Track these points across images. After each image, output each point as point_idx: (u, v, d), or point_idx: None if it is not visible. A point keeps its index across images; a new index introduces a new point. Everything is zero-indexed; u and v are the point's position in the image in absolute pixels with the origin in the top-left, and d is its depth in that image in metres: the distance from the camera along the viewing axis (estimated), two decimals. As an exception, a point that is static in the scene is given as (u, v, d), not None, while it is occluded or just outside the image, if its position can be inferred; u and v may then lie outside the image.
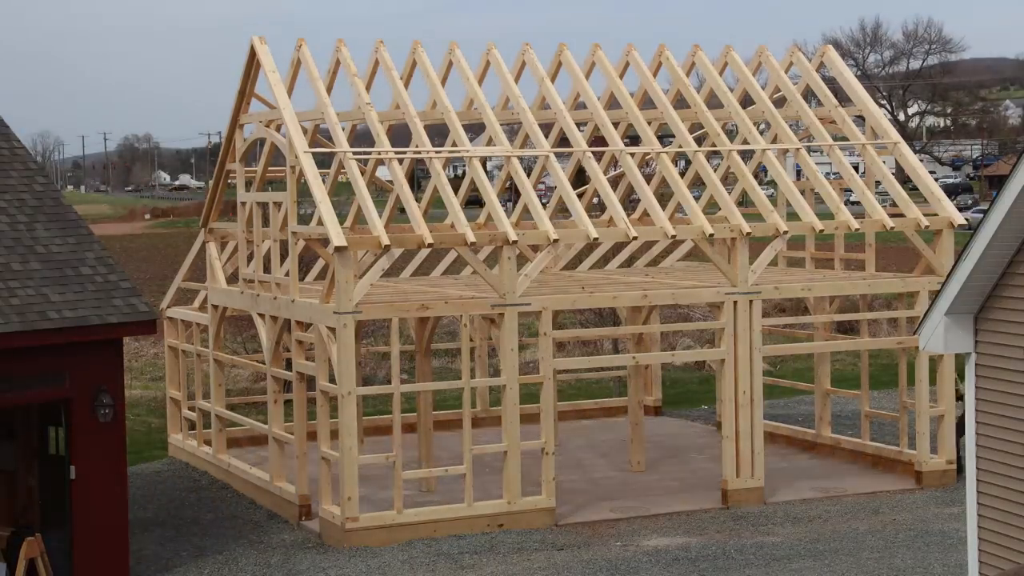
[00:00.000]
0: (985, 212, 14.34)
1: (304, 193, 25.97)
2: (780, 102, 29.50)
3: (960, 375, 24.14)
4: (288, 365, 25.72)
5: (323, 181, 24.93)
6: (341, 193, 33.99)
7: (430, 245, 23.75)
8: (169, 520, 25.29)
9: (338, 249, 22.47)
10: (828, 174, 50.95)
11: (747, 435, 25.19)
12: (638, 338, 30.44)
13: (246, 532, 24.32)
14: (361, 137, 32.43)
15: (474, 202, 58.14)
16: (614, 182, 30.03)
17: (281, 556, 22.73)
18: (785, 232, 25.65)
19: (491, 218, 24.82)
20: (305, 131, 26.63)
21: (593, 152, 27.37)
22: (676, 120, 27.82)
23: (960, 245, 17.79)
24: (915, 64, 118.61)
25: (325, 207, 23.24)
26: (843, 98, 30.06)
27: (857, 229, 26.11)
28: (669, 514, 24.63)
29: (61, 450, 21.28)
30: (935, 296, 15.32)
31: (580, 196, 28.57)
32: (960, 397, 25.83)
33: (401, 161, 26.05)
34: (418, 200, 26.50)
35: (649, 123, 28.44)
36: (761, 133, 29.60)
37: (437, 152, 25.59)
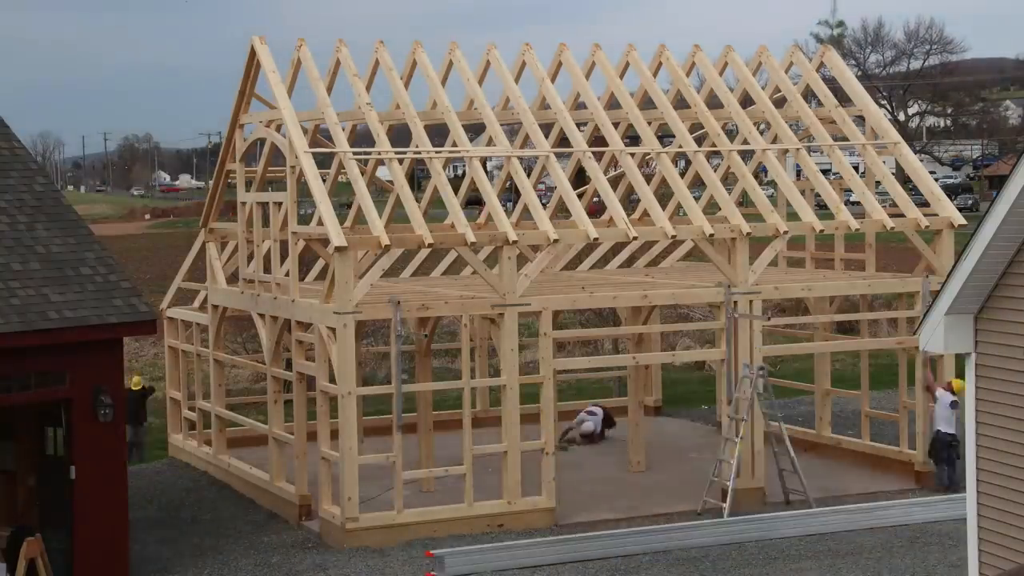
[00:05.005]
0: (985, 212, 14.34)
1: (304, 193, 25.97)
2: (780, 102, 29.50)
3: (960, 375, 24.13)
4: (288, 365, 25.72)
5: (323, 181, 24.93)
6: (341, 193, 33.99)
7: (430, 245, 23.76)
8: (169, 520, 25.29)
9: (338, 249, 22.47)
10: (827, 172, 50.90)
11: (747, 435, 25.18)
12: (638, 338, 30.41)
13: (246, 532, 24.31)
14: (361, 137, 32.41)
15: (474, 202, 58.14)
16: (614, 182, 30.02)
17: (281, 556, 22.73)
18: (785, 232, 25.65)
19: (491, 218, 24.82)
20: (305, 131, 26.62)
21: (593, 152, 27.36)
22: (676, 120, 27.82)
23: (960, 245, 17.79)
24: (916, 64, 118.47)
25: (325, 207, 23.24)
26: (843, 98, 30.05)
27: (857, 229, 26.11)
28: (669, 514, 24.62)
29: (61, 450, 21.29)
30: (935, 296, 15.31)
31: (580, 196, 28.56)
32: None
33: (401, 161, 26.05)
34: (418, 200, 26.50)
35: (649, 123, 28.43)
36: (761, 133, 29.60)
37: (437, 152, 25.59)
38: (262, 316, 26.09)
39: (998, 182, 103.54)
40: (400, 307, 22.85)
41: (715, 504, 24.40)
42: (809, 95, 30.95)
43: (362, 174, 25.22)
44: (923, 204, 27.92)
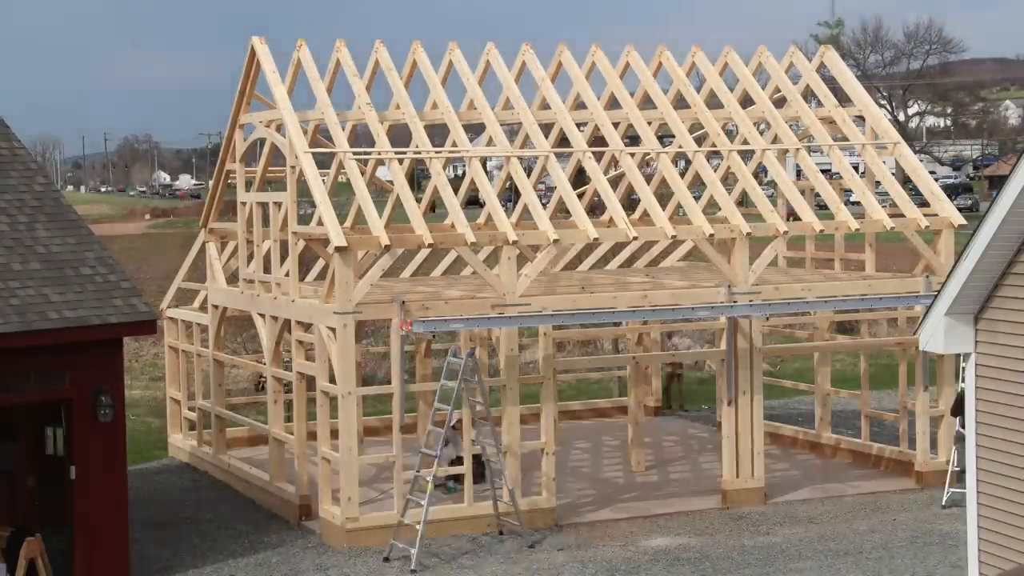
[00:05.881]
0: (985, 212, 14.35)
1: (304, 193, 25.96)
2: (780, 102, 29.49)
3: (958, 375, 24.10)
4: (288, 365, 25.71)
5: (323, 181, 24.92)
6: (341, 193, 33.98)
7: (430, 245, 23.76)
8: (169, 520, 25.29)
9: (338, 249, 22.47)
10: (827, 172, 50.87)
11: (747, 435, 25.19)
12: (638, 338, 30.42)
13: (246, 532, 24.32)
14: (361, 137, 32.42)
15: (473, 202, 58.12)
16: (614, 182, 30.01)
17: (281, 556, 22.74)
18: (785, 232, 25.65)
19: (491, 218, 24.82)
20: (305, 131, 26.63)
21: (593, 152, 27.36)
22: (676, 120, 27.81)
23: (960, 245, 17.80)
24: (915, 64, 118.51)
25: (325, 207, 23.24)
26: (843, 98, 30.06)
27: (857, 229, 26.11)
28: (669, 514, 24.63)
29: (61, 450, 21.28)
30: (935, 296, 15.32)
31: (580, 196, 28.56)
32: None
33: (401, 161, 26.05)
34: (418, 200, 26.49)
35: (649, 123, 28.42)
36: (761, 133, 29.60)
37: (437, 152, 25.59)
38: (262, 316, 26.10)
39: (998, 182, 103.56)
40: (405, 307, 22.82)
41: (404, 549, 21.96)
42: (809, 95, 30.95)
43: (362, 174, 25.21)
44: (923, 204, 27.92)
